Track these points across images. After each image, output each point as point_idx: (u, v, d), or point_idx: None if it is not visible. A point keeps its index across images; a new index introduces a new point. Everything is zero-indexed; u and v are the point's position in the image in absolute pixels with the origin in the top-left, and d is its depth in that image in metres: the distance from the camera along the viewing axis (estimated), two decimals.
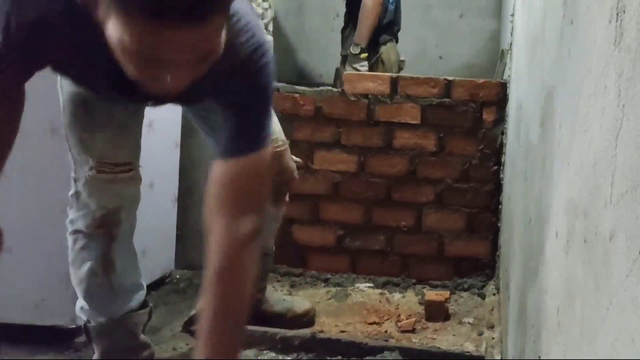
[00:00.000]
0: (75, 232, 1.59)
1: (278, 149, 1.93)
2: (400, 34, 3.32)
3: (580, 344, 0.73)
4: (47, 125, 1.93)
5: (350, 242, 2.69)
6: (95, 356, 1.65)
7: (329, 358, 1.85)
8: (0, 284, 1.95)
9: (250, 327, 1.93)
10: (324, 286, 2.56)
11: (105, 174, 1.56)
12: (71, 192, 1.60)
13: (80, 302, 1.64)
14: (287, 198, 2.07)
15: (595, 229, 0.69)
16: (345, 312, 2.32)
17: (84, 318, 1.64)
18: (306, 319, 2.12)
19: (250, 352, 1.89)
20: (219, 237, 1.28)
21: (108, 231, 1.59)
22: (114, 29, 0.98)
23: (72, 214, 1.60)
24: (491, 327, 2.17)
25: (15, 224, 1.94)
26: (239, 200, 1.29)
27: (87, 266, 1.59)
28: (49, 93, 1.93)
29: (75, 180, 1.58)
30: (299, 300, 2.23)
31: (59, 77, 1.58)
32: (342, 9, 3.37)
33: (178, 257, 2.62)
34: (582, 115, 0.81)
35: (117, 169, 1.58)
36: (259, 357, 1.86)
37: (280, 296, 2.24)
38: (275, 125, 1.98)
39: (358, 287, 2.55)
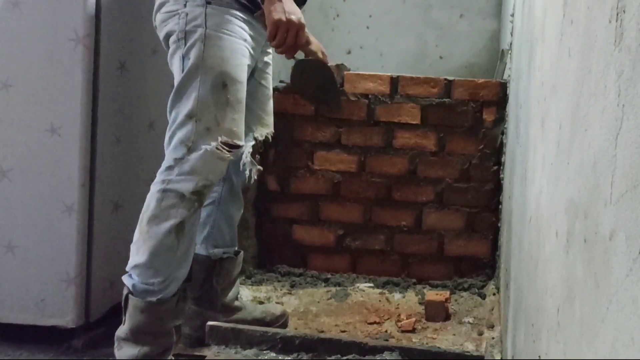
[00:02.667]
0: (169, 190, 1.71)
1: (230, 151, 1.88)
2: (400, 34, 3.32)
3: (580, 343, 0.73)
4: (49, 125, 1.93)
5: (350, 242, 2.69)
6: (125, 328, 1.72)
7: (328, 358, 1.85)
8: (1, 284, 1.95)
9: (250, 327, 1.93)
10: (324, 286, 2.57)
11: (222, 152, 1.73)
12: (178, 155, 1.72)
13: (135, 261, 1.71)
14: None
15: (595, 228, 0.69)
16: (345, 312, 2.32)
17: (135, 280, 1.71)
18: (283, 320, 2.14)
19: (250, 352, 1.89)
20: None
21: (200, 199, 1.74)
22: None
23: (171, 175, 1.72)
24: (491, 326, 2.17)
25: (15, 223, 1.95)
26: None
27: (169, 224, 1.70)
28: (49, 92, 1.93)
29: (189, 149, 1.71)
30: (273, 305, 2.27)
31: (192, 46, 1.75)
32: (342, 9, 3.37)
33: None
34: (582, 115, 0.81)
35: (233, 150, 1.76)
36: (259, 357, 1.86)
37: (252, 303, 2.26)
38: (271, 119, 2.07)
39: (358, 287, 2.55)
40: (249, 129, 1.93)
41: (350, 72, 2.70)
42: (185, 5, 1.79)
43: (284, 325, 2.14)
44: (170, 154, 1.75)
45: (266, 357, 1.88)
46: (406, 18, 3.31)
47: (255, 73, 1.98)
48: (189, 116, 1.73)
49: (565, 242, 0.88)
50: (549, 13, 1.25)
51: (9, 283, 1.95)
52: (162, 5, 1.85)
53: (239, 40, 1.81)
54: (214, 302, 2.01)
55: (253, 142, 1.97)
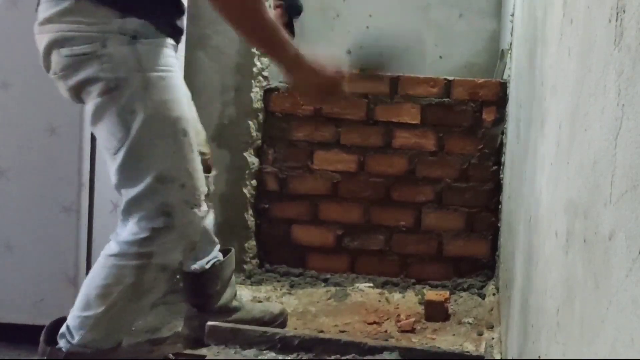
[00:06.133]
0: (151, 265, 1.49)
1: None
2: (400, 34, 3.32)
3: (580, 343, 0.73)
4: (47, 125, 1.93)
5: (349, 242, 2.69)
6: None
7: (328, 358, 1.85)
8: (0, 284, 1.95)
9: (249, 328, 1.93)
10: (324, 286, 2.56)
11: (204, 206, 1.55)
12: (158, 225, 1.47)
13: (89, 338, 1.53)
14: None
15: (595, 228, 0.69)
16: (344, 312, 2.32)
17: (86, 349, 1.54)
18: (282, 319, 2.13)
19: (250, 352, 1.89)
20: None
21: (182, 265, 1.61)
22: None
23: (151, 246, 1.48)
24: (491, 327, 2.17)
25: (15, 223, 1.94)
26: None
27: (151, 298, 1.55)
28: (49, 93, 1.93)
29: (170, 214, 1.47)
30: (271, 304, 2.25)
31: (133, 96, 1.46)
32: (342, 9, 3.37)
33: None
34: (582, 114, 0.81)
35: (205, 198, 1.58)
36: (259, 357, 1.86)
37: (250, 302, 2.24)
38: (198, 122, 1.82)
39: (357, 287, 2.54)
40: None
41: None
42: (104, 46, 1.43)
43: (283, 324, 2.13)
44: (142, 224, 1.47)
45: (265, 357, 1.88)
46: (406, 18, 3.30)
47: None
48: (160, 180, 1.46)
49: (565, 242, 0.88)
50: (549, 13, 1.25)
51: (7, 283, 1.94)
52: (60, 44, 1.45)
53: (177, 74, 1.54)
54: (210, 305, 2.00)
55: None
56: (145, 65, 1.45)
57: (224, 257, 2.03)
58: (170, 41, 1.53)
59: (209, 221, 1.96)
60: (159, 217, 1.47)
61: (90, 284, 1.55)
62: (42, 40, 1.51)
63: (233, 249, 2.08)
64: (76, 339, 1.54)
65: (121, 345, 1.61)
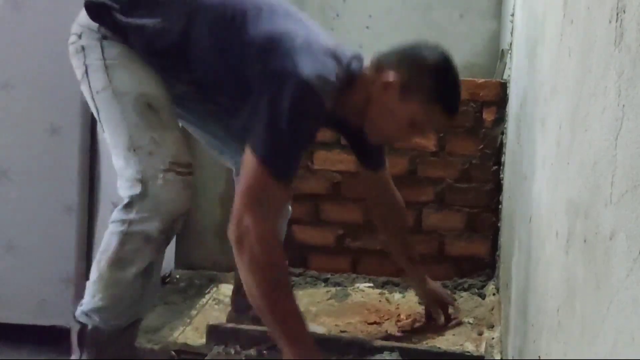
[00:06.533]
0: (132, 233, 1.56)
1: None
2: (400, 34, 3.32)
3: (581, 343, 0.73)
4: (49, 125, 1.93)
5: (350, 242, 2.69)
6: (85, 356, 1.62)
7: (328, 358, 1.85)
8: (1, 284, 1.95)
9: (250, 327, 1.93)
10: (324, 286, 2.56)
11: (182, 175, 1.59)
12: (134, 192, 1.56)
13: (95, 304, 1.59)
14: None
15: (595, 228, 0.69)
16: (345, 312, 2.32)
17: (95, 321, 1.60)
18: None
19: (250, 352, 1.89)
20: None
21: (169, 236, 1.61)
22: (414, 109, 1.64)
23: (130, 213, 1.57)
24: (491, 327, 2.17)
25: (15, 223, 1.95)
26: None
27: (135, 268, 1.57)
28: (49, 93, 1.93)
29: (143, 182, 1.56)
30: (312, 326, 2.17)
31: (97, 80, 1.61)
32: (342, 9, 3.37)
33: (178, 257, 2.62)
34: (582, 115, 0.81)
35: (187, 170, 1.61)
36: (259, 357, 1.86)
37: None
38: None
39: (358, 287, 2.55)
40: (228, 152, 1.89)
41: None
42: (80, 37, 1.63)
43: None
44: (125, 191, 1.59)
45: (266, 357, 1.88)
46: (406, 18, 3.30)
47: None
48: (128, 149, 1.58)
49: (565, 243, 0.88)
50: (549, 13, 1.25)
51: (9, 283, 1.95)
52: (71, 33, 1.68)
53: (147, 69, 1.62)
54: (245, 311, 1.96)
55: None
56: (106, 55, 1.60)
57: None
58: (144, 54, 1.63)
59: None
60: (135, 185, 1.57)
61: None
62: None
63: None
64: (82, 305, 1.62)
65: (129, 330, 1.63)
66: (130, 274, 1.57)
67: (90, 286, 1.61)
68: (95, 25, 1.61)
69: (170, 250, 2.56)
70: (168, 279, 2.54)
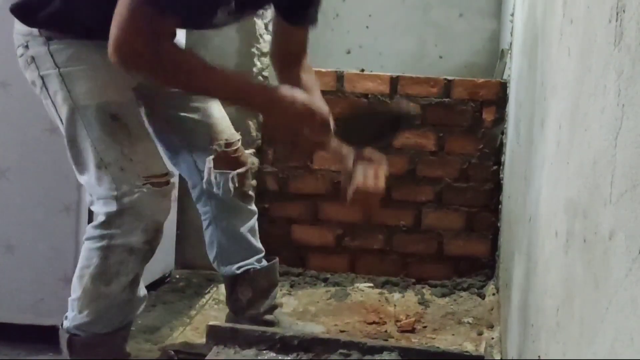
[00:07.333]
0: (114, 246, 1.51)
1: (232, 147, 1.84)
2: (400, 34, 3.32)
3: (580, 343, 0.73)
4: (47, 125, 1.93)
5: (349, 242, 2.69)
6: None
7: (328, 358, 1.85)
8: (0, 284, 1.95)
9: (248, 327, 1.93)
10: (324, 286, 2.56)
11: (160, 186, 1.53)
12: (110, 210, 1.50)
13: (82, 319, 1.56)
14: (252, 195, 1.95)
15: (594, 228, 0.69)
16: (344, 312, 2.32)
17: (83, 332, 1.57)
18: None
19: (249, 352, 1.89)
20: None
21: (154, 246, 1.57)
22: None
23: (110, 228, 1.51)
24: (491, 327, 2.17)
25: (14, 223, 1.94)
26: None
27: (120, 282, 1.53)
28: None
29: (118, 199, 1.49)
30: (311, 324, 2.15)
31: (56, 92, 1.53)
32: (342, 9, 3.37)
33: (178, 257, 2.62)
34: (582, 114, 0.81)
35: (163, 180, 1.55)
36: (259, 357, 1.86)
37: (290, 319, 2.14)
38: (224, 121, 1.87)
39: (357, 287, 2.55)
40: (201, 143, 1.80)
41: (350, 72, 2.70)
42: (27, 47, 1.54)
43: None
44: (100, 208, 1.52)
45: (265, 357, 1.88)
46: (406, 18, 3.31)
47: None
48: (98, 166, 1.50)
49: (564, 242, 0.88)
50: (549, 13, 1.25)
51: (7, 283, 1.94)
52: (17, 45, 1.58)
53: (102, 63, 1.45)
54: (242, 312, 1.94)
55: (212, 156, 1.80)
56: (58, 62, 1.51)
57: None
58: (86, 41, 1.52)
59: (246, 226, 1.91)
60: (109, 202, 1.50)
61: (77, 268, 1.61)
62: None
63: (276, 260, 2.00)
64: (68, 320, 1.59)
65: (119, 333, 1.61)
66: (117, 287, 1.53)
67: (74, 302, 1.57)
68: (36, 30, 1.53)
69: (170, 250, 2.56)
70: (168, 279, 2.54)
